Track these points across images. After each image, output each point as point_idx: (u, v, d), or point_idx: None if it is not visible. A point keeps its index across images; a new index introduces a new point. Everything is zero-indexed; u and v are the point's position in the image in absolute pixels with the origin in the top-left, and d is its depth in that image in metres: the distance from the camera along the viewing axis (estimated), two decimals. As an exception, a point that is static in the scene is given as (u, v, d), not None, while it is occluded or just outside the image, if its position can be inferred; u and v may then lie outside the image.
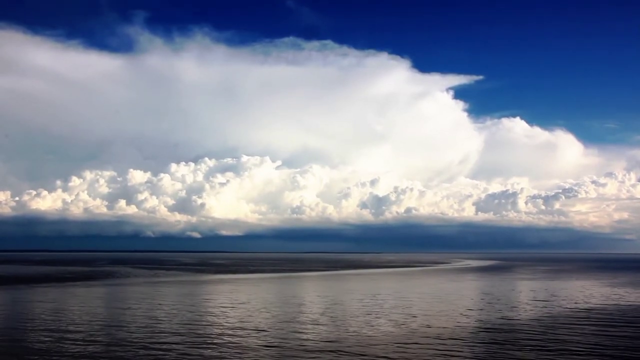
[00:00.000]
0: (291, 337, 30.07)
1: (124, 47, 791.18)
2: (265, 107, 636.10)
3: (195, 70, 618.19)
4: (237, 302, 47.95)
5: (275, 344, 28.11)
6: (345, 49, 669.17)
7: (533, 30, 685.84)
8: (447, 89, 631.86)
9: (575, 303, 48.08)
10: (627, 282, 79.63)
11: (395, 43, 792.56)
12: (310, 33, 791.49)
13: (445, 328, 33.22)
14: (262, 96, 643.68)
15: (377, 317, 37.91)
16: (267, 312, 40.83)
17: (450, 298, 52.82)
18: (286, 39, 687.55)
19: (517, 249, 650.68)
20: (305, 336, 30.28)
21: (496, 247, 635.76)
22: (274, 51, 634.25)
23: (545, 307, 44.54)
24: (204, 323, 35.33)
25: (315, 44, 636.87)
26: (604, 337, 30.20)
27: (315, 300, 51.32)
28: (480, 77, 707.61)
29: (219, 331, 32.02)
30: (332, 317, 38.27)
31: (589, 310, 42.96)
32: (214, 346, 27.50)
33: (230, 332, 31.75)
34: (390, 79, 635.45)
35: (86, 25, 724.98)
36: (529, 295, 55.87)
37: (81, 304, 46.64)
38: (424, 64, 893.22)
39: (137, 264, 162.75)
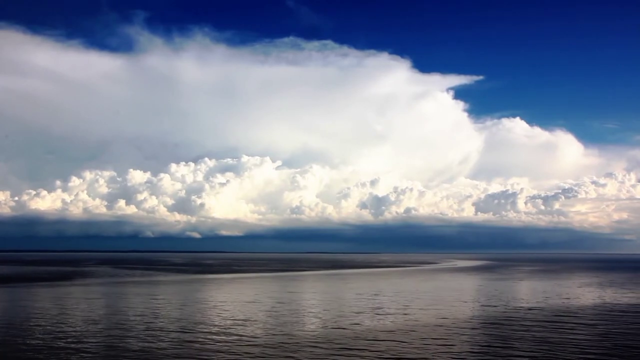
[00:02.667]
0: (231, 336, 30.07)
1: (124, 47, 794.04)
2: (265, 107, 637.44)
3: (196, 70, 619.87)
4: (189, 302, 47.96)
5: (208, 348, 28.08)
6: (345, 49, 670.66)
7: (533, 30, 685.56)
8: (447, 89, 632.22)
9: (525, 302, 47.87)
10: (604, 282, 79.29)
11: (395, 43, 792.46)
12: (310, 33, 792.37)
13: (358, 325, 33.21)
14: (262, 96, 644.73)
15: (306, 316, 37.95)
16: (213, 312, 40.82)
17: (396, 297, 52.67)
18: (286, 39, 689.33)
19: (516, 250, 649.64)
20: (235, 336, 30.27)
21: (496, 248, 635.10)
22: (274, 51, 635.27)
23: (484, 306, 44.44)
24: (124, 325, 35.31)
25: (316, 44, 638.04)
26: (514, 339, 30.05)
27: (265, 300, 51.21)
28: (481, 78, 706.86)
29: (112, 332, 32.01)
30: (266, 316, 38.32)
31: (530, 309, 42.72)
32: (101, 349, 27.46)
33: (148, 331, 31.75)
34: (391, 79, 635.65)
35: (86, 25, 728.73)
36: (478, 295, 55.72)
37: (26, 304, 46.72)
38: (424, 64, 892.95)
39: (125, 264, 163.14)
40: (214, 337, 30.28)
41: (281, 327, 33.93)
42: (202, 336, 30.43)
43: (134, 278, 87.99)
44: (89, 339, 29.38)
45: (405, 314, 40.05)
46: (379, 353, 26.15)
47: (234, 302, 48.63)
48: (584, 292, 61.03)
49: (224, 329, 33.15)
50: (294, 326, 34.26)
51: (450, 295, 55.62)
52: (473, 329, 33.34)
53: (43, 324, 34.93)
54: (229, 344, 28.17)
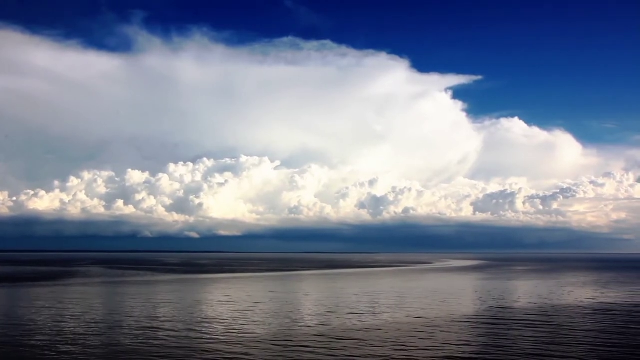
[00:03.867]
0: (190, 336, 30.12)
1: (123, 47, 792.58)
2: (264, 107, 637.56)
3: (194, 70, 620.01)
4: (162, 301, 48.02)
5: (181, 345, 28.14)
6: (344, 48, 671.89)
7: (532, 30, 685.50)
8: (446, 89, 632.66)
9: (497, 302, 47.89)
10: (588, 282, 79.35)
11: (394, 43, 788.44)
12: (309, 33, 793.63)
13: (325, 326, 33.29)
14: (261, 96, 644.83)
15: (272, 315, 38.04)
16: (184, 311, 40.86)
17: (374, 297, 52.71)
18: (285, 39, 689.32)
19: (515, 249, 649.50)
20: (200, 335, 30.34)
21: (494, 248, 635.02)
22: (273, 51, 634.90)
23: (455, 306, 44.51)
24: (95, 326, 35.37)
25: (314, 43, 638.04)
26: (470, 339, 30.10)
27: (243, 299, 51.22)
28: (479, 77, 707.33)
29: (93, 331, 32.06)
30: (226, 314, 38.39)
31: (501, 308, 42.74)
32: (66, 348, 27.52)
33: (110, 331, 31.80)
34: (389, 79, 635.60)
35: (85, 25, 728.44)
36: (455, 294, 55.78)
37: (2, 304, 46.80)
38: (423, 64, 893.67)
39: (118, 264, 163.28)
40: (172, 335, 30.31)
41: (247, 325, 33.97)
42: (161, 334, 30.46)
43: (120, 278, 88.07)
44: (53, 337, 29.44)
45: (375, 314, 40.10)
46: (328, 351, 26.21)
47: (209, 302, 48.71)
48: (561, 292, 61.01)
49: (186, 327, 33.19)
50: (257, 325, 34.30)
51: (428, 295, 55.62)
52: (434, 327, 33.37)
53: (8, 323, 35.02)
54: (183, 342, 28.22)
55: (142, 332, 31.74)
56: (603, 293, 59.55)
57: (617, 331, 32.48)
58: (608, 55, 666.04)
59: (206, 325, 34.44)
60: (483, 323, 35.51)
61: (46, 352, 26.13)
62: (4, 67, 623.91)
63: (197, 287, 69.40)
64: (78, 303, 47.44)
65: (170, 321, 35.97)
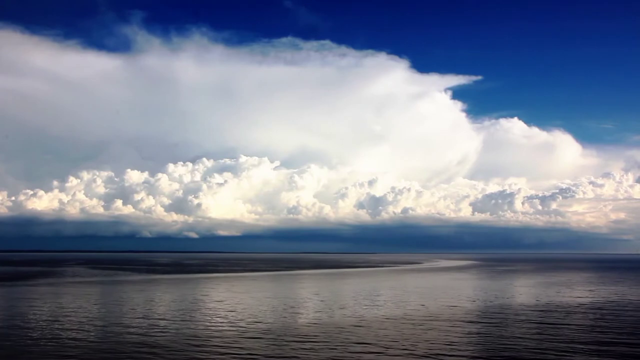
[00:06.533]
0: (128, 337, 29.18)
1: (122, 47, 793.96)
2: (263, 107, 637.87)
3: (193, 70, 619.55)
4: (117, 301, 47.11)
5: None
6: (343, 49, 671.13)
7: (532, 31, 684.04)
8: (446, 89, 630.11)
9: (455, 301, 46.88)
10: (561, 281, 78.21)
11: (393, 43, 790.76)
12: (308, 33, 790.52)
13: (272, 324, 32.30)
14: (261, 96, 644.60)
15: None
16: (134, 311, 39.93)
17: (335, 297, 51.73)
18: (284, 39, 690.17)
19: (514, 250, 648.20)
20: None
21: (493, 248, 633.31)
22: (272, 51, 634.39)
23: (412, 306, 43.49)
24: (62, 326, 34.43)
25: (314, 44, 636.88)
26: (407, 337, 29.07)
27: (206, 299, 50.25)
28: (479, 78, 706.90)
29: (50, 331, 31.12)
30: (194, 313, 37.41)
31: (461, 308, 41.74)
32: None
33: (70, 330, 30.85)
34: (389, 79, 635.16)
35: (84, 25, 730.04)
36: (421, 294, 54.79)
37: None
38: (422, 64, 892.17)
39: (104, 264, 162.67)
40: (110, 333, 29.35)
41: (196, 324, 33.00)
42: (94, 334, 29.49)
43: (94, 278, 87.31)
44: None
45: (326, 312, 39.11)
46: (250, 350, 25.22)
47: (165, 302, 47.73)
48: (528, 291, 59.95)
49: (125, 327, 32.22)
50: (200, 324, 33.34)
51: (382, 295, 54.61)
52: (378, 328, 32.35)
53: None
54: (119, 341, 27.25)
55: (69, 333, 30.79)
56: (568, 293, 58.45)
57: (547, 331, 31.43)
58: (607, 56, 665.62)
59: (147, 326, 33.46)
60: (412, 322, 34.46)
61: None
62: (3, 67, 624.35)
63: (164, 288, 68.28)
64: (28, 303, 46.56)
65: (107, 322, 35.01)
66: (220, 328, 32.74)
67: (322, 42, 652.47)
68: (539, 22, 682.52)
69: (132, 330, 31.81)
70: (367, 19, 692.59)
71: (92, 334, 30.64)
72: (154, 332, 31.19)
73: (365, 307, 43.31)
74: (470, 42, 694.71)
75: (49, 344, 27.60)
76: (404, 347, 26.75)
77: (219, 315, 38.38)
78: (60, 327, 32.95)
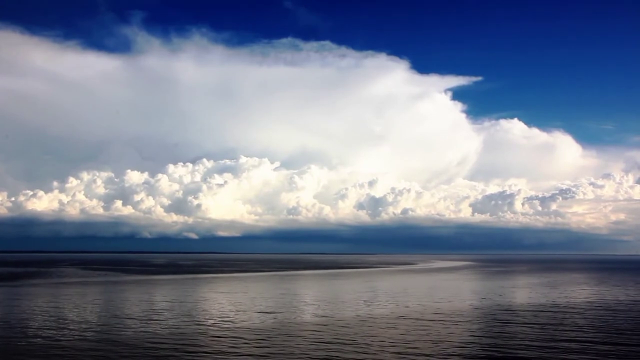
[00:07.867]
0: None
1: (122, 47, 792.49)
2: (263, 108, 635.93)
3: (193, 71, 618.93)
4: (98, 302, 46.98)
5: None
6: (343, 49, 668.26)
7: (531, 31, 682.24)
8: (446, 90, 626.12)
9: (438, 301, 46.69)
10: (552, 282, 77.94)
11: (393, 44, 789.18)
12: (308, 34, 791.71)
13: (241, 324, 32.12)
14: (261, 97, 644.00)
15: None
16: (110, 311, 39.78)
17: (316, 297, 51.56)
18: (284, 40, 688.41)
19: (514, 250, 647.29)
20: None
21: (493, 249, 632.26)
22: (272, 52, 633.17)
23: (397, 305, 43.31)
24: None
25: (314, 44, 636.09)
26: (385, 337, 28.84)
27: (187, 299, 50.07)
28: (479, 78, 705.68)
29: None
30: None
31: (432, 307, 41.55)
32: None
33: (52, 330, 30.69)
34: (389, 79, 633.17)
35: (84, 26, 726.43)
36: (399, 295, 54.59)
37: None
38: (422, 65, 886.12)
39: (99, 265, 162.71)
40: (83, 334, 29.18)
41: (177, 324, 32.82)
42: (67, 333, 29.32)
43: (81, 279, 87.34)
44: None
45: (289, 313, 38.91)
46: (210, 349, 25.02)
47: (147, 302, 47.57)
48: (517, 292, 59.71)
49: (96, 326, 32.07)
50: (178, 324, 33.16)
51: (364, 295, 54.43)
52: (344, 327, 32.14)
53: None
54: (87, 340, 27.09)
55: (46, 333, 30.60)
56: (553, 294, 58.19)
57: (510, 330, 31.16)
58: (607, 56, 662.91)
59: (118, 326, 33.27)
60: (388, 322, 34.25)
61: None
62: (3, 67, 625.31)
63: (149, 289, 68.17)
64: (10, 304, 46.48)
65: (82, 322, 34.87)
66: (203, 328, 32.58)
67: (322, 42, 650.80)
68: (539, 22, 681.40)
69: (97, 329, 31.66)
70: (367, 20, 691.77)
71: (59, 334, 30.49)
72: (116, 330, 31.03)
73: (332, 309, 43.11)
74: (470, 43, 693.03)
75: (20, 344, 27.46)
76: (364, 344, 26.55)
77: (200, 315, 38.24)
78: (33, 327, 32.82)
